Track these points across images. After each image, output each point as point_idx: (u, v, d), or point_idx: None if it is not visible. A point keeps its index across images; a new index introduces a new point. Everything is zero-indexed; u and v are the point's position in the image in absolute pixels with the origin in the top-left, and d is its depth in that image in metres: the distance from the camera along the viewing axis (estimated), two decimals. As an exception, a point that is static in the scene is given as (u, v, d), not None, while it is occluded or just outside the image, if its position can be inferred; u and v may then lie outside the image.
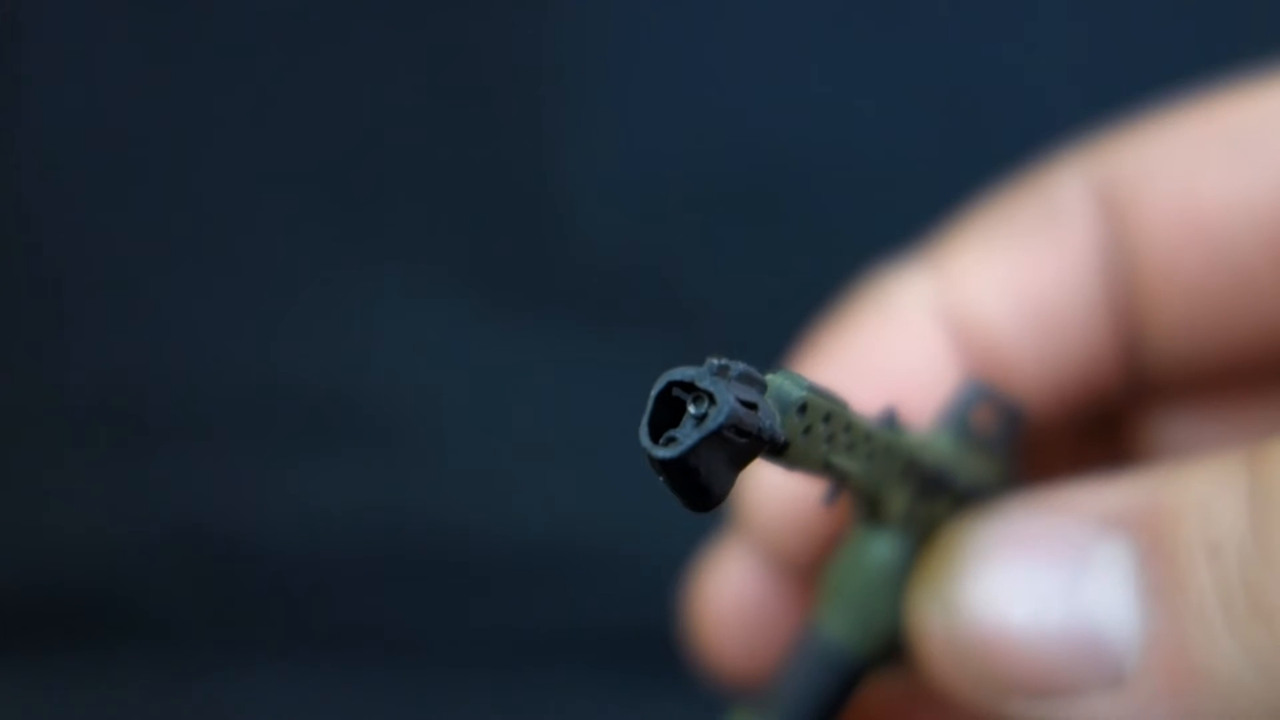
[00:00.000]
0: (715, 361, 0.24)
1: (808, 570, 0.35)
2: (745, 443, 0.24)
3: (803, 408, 0.26)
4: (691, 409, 0.24)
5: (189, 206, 0.60)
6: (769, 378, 0.25)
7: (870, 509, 0.30)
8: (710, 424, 0.23)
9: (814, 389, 0.26)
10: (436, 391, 0.60)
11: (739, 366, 0.24)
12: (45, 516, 0.62)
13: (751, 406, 0.24)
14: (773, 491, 0.34)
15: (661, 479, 0.24)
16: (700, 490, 0.24)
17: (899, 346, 0.35)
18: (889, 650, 0.32)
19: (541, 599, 0.60)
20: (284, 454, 0.61)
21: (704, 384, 0.24)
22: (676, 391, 0.24)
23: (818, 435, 0.26)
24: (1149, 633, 0.28)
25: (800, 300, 0.44)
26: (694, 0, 0.58)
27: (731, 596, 0.36)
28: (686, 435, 0.23)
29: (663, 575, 0.55)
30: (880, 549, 0.31)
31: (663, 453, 0.23)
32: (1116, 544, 0.29)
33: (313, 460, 0.60)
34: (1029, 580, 0.30)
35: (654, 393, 0.24)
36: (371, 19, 0.59)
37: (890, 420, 0.29)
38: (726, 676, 0.37)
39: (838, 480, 0.28)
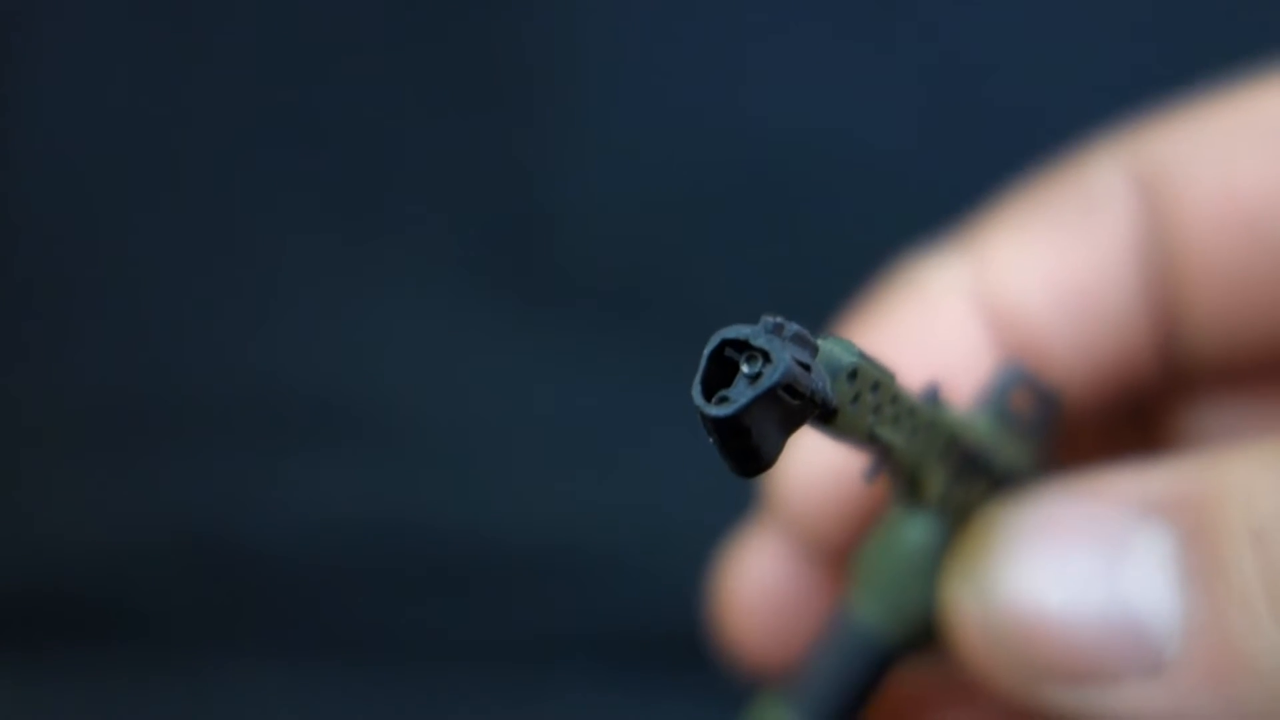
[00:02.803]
0: (770, 320, 0.23)
1: (838, 555, 0.34)
2: (798, 405, 0.24)
3: (853, 374, 0.25)
4: (745, 368, 0.23)
5: (189, 207, 0.60)
6: (819, 342, 0.25)
7: (909, 488, 0.30)
8: (766, 381, 0.23)
9: (864, 356, 0.26)
10: (436, 393, 0.60)
11: (793, 326, 0.24)
12: (45, 517, 0.62)
13: (805, 368, 0.24)
14: (803, 474, 0.34)
15: (712, 440, 0.24)
16: (750, 452, 0.24)
17: (934, 333, 0.34)
18: (922, 635, 0.31)
19: (541, 599, 0.59)
20: (284, 455, 0.60)
21: (759, 342, 0.23)
22: (729, 352, 0.24)
23: (865, 404, 0.26)
24: (1190, 619, 0.28)
25: (799, 302, 0.44)
26: (692, 2, 0.58)
27: (760, 581, 0.36)
28: (740, 393, 0.23)
29: (663, 577, 0.54)
30: (915, 532, 0.31)
31: (716, 411, 0.23)
32: (1157, 529, 0.29)
33: (313, 461, 0.60)
34: (1067, 565, 0.29)
35: (707, 351, 0.23)
36: (370, 21, 0.59)
37: (933, 396, 0.29)
38: (753, 663, 0.36)
39: (880, 453, 0.28)
